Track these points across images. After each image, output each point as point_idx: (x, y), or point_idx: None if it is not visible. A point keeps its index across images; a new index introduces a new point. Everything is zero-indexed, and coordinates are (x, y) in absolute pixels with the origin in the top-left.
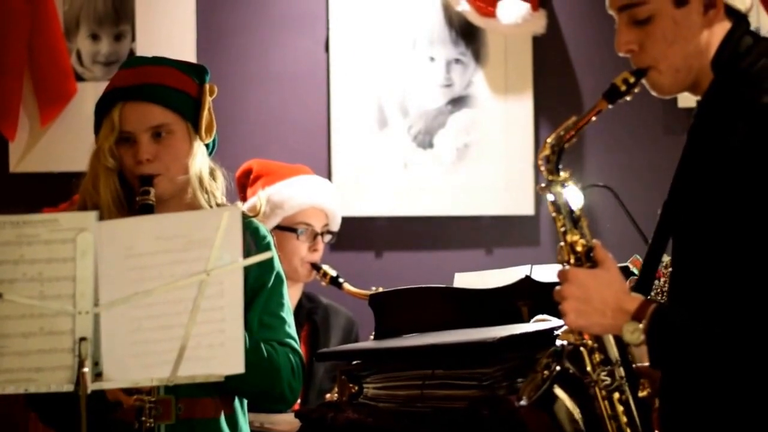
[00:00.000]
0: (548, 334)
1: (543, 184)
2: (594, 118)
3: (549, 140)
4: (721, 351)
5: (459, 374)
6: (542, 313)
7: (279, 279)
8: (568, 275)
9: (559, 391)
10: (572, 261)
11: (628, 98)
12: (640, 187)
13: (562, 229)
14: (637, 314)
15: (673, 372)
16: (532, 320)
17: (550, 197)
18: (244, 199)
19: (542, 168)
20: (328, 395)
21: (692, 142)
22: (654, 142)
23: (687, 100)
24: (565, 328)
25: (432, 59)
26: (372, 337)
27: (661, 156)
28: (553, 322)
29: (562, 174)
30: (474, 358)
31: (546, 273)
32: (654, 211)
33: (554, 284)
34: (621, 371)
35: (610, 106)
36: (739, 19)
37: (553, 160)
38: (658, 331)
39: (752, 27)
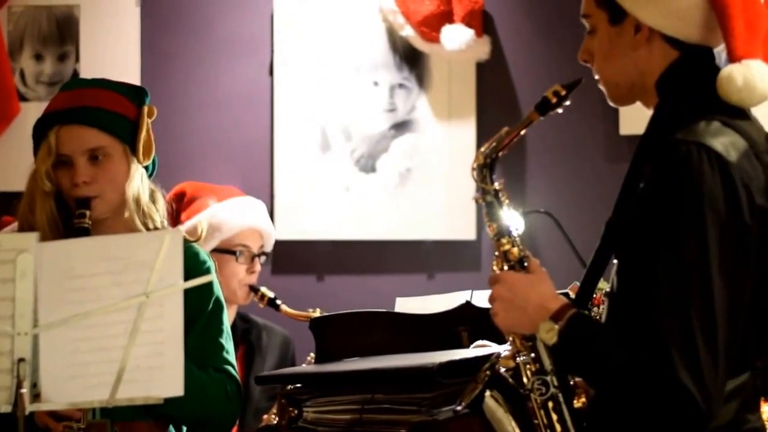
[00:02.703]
0: (487, 360)
1: (477, 194)
2: (523, 128)
3: (482, 150)
4: (615, 370)
5: (399, 399)
6: (482, 339)
7: (218, 305)
8: (498, 277)
9: (490, 399)
10: (505, 268)
11: (559, 110)
12: (581, 214)
13: (496, 238)
14: (556, 315)
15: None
16: (472, 345)
17: (483, 206)
18: (177, 222)
19: (476, 177)
20: (265, 416)
21: (630, 168)
22: (595, 170)
23: (628, 127)
24: (505, 353)
25: (376, 84)
26: (310, 358)
27: (602, 183)
28: (493, 347)
29: (496, 184)
30: (414, 383)
31: (486, 298)
32: (593, 237)
33: None
34: (555, 381)
35: (541, 118)
36: (687, 48)
37: (486, 169)
38: (571, 335)
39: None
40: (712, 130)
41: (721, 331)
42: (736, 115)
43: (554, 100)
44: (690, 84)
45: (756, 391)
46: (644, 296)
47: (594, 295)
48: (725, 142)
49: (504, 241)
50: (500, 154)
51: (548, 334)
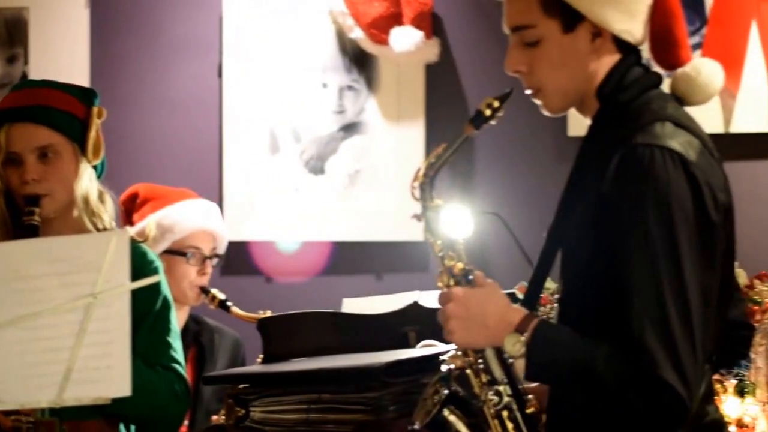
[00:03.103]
0: (434, 359)
1: (418, 212)
2: (460, 144)
3: (422, 167)
4: (593, 374)
5: (346, 399)
6: (429, 339)
7: (166, 304)
8: (450, 295)
9: (450, 415)
10: (452, 284)
11: (493, 122)
12: (529, 215)
13: (440, 254)
14: (520, 326)
15: (554, 386)
16: (419, 345)
17: (425, 224)
18: (130, 223)
19: (416, 195)
20: (214, 417)
21: (575, 169)
22: (543, 170)
23: (576, 128)
24: (451, 353)
25: (325, 86)
26: (260, 360)
27: (551, 184)
28: (439, 347)
29: (436, 200)
30: (361, 383)
31: (433, 299)
32: (541, 238)
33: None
34: (507, 390)
35: (476, 132)
36: (628, 51)
37: (427, 186)
38: (540, 344)
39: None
40: (668, 132)
41: (697, 325)
42: (682, 116)
43: (488, 113)
44: (633, 85)
45: (712, 383)
46: (615, 296)
47: (541, 295)
48: (683, 143)
49: (448, 256)
50: (438, 171)
51: (515, 346)
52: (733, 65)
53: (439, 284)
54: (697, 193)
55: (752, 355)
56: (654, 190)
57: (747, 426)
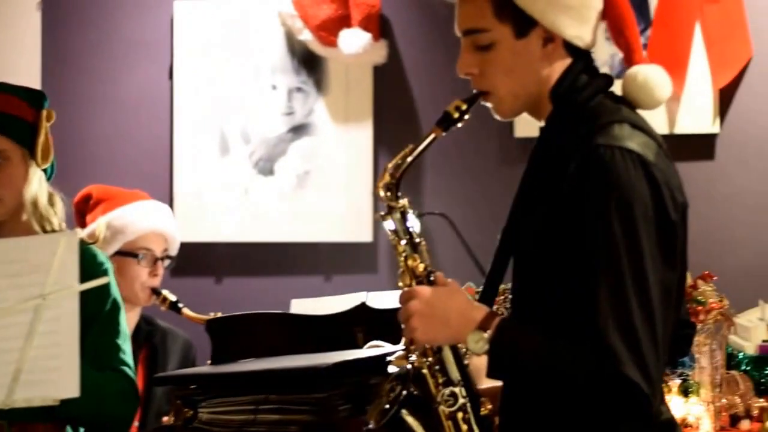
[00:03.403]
0: (381, 360)
1: (383, 212)
2: (428, 145)
3: (388, 168)
4: (556, 370)
5: (292, 399)
6: (377, 339)
7: (115, 306)
8: (411, 293)
9: (408, 417)
10: (413, 285)
11: (459, 125)
12: (476, 216)
13: (403, 255)
14: (482, 324)
15: (512, 383)
16: (366, 346)
17: (390, 224)
18: (83, 225)
19: (382, 195)
20: (165, 418)
21: (530, 170)
22: (489, 171)
23: (522, 130)
24: (398, 354)
25: (274, 87)
26: (209, 361)
27: (496, 185)
28: (386, 347)
29: (401, 201)
30: (307, 383)
31: (381, 299)
32: (488, 239)
33: (389, 310)
34: (463, 391)
35: (444, 134)
36: (579, 55)
37: (393, 187)
38: (503, 341)
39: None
40: (626, 134)
41: (659, 323)
42: (637, 118)
43: (456, 115)
44: (586, 87)
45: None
46: (579, 295)
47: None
48: (641, 144)
49: (412, 257)
50: (405, 172)
51: (478, 344)
52: (677, 67)
53: (400, 284)
54: (657, 193)
55: (696, 355)
56: (616, 190)
57: (691, 426)
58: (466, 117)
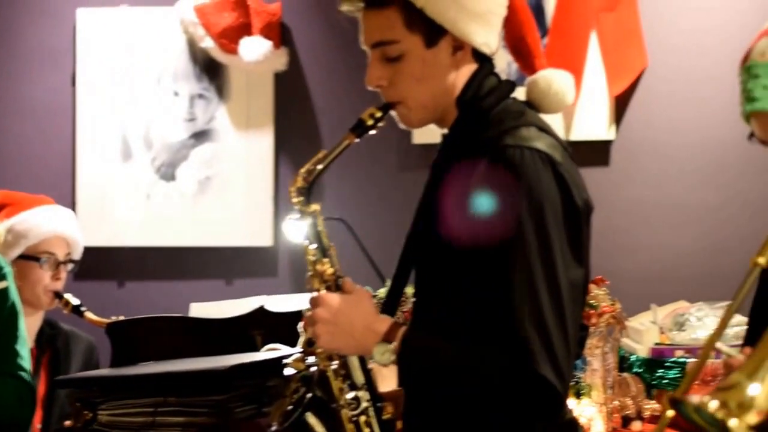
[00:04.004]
0: (278, 363)
1: (295, 216)
2: (341, 151)
3: (301, 172)
4: (468, 375)
5: (191, 401)
6: (275, 342)
7: (13, 311)
8: (318, 300)
9: (310, 418)
10: (322, 289)
11: (373, 132)
12: (374, 221)
13: (313, 259)
14: (387, 336)
15: (421, 392)
16: (264, 349)
17: (301, 228)
18: None
19: (294, 199)
20: (67, 422)
21: (435, 176)
22: (388, 177)
23: (421, 136)
24: (295, 356)
25: (176, 94)
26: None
27: (395, 191)
28: (283, 350)
29: (313, 205)
30: (206, 386)
31: (279, 303)
32: (386, 244)
33: (287, 314)
34: (366, 395)
35: (357, 140)
36: (484, 61)
37: (305, 191)
38: (410, 352)
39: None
40: (534, 135)
41: (569, 322)
42: (542, 122)
43: (370, 122)
44: (492, 93)
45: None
46: (491, 295)
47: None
48: (548, 145)
49: (321, 261)
50: (317, 177)
51: (384, 356)
52: (573, 74)
53: (308, 287)
54: (566, 192)
55: (589, 358)
56: (526, 190)
57: (584, 427)
58: (380, 124)
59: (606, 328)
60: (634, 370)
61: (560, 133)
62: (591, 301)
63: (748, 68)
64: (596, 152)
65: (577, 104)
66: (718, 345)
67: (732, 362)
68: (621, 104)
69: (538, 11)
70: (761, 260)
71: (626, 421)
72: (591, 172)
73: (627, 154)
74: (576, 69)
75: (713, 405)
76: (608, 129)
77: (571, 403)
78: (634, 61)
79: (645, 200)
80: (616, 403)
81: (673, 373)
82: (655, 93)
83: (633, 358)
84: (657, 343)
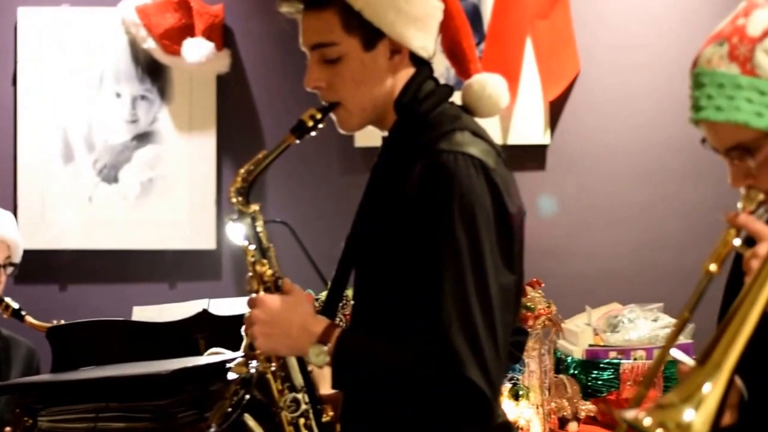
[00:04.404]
0: (221, 367)
1: (234, 216)
2: (281, 152)
3: (241, 173)
4: (401, 377)
5: (133, 407)
6: (218, 346)
7: None
8: (256, 301)
9: (248, 419)
10: (261, 291)
11: (314, 133)
12: (316, 224)
13: (252, 260)
14: (322, 337)
15: (356, 394)
16: (207, 353)
17: (240, 229)
18: None
19: (233, 200)
20: (8, 429)
21: (374, 179)
22: (330, 180)
23: (363, 140)
24: (237, 360)
25: (118, 95)
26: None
27: (337, 194)
28: (227, 354)
29: (252, 206)
30: (148, 390)
31: (223, 306)
32: (328, 247)
33: (230, 317)
34: (306, 397)
35: (297, 141)
36: (422, 65)
37: (244, 192)
38: (345, 354)
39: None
40: (468, 140)
41: (499, 326)
42: (477, 126)
43: (310, 124)
44: (429, 97)
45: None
46: (423, 299)
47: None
48: (482, 150)
49: (260, 262)
50: (257, 178)
51: (319, 357)
52: (509, 80)
53: (248, 288)
54: (498, 198)
55: (526, 360)
56: (458, 195)
57: (522, 429)
58: (321, 126)
59: (542, 330)
60: (570, 371)
61: (497, 137)
62: (527, 304)
63: (695, 75)
64: (532, 156)
65: (514, 109)
66: (673, 351)
67: (685, 369)
68: (556, 109)
69: (476, 17)
70: (713, 267)
71: (563, 422)
72: (527, 176)
73: (561, 158)
74: (512, 74)
75: (647, 422)
76: (544, 133)
77: (509, 404)
78: (567, 66)
79: (578, 203)
80: (553, 404)
81: (607, 375)
82: (588, 97)
83: (569, 359)
84: (591, 345)
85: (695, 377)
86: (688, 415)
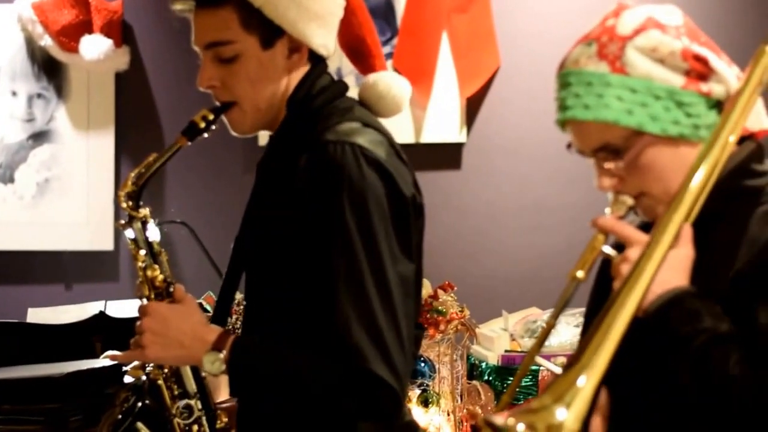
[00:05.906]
0: (117, 370)
1: (123, 221)
2: (173, 155)
3: (131, 176)
4: (304, 379)
5: (26, 409)
6: (115, 348)
7: None
8: (147, 309)
9: (141, 428)
10: (152, 296)
11: (206, 135)
12: (217, 224)
13: (142, 265)
14: (217, 344)
15: (254, 400)
16: (102, 356)
17: (130, 233)
18: None
19: (123, 204)
20: None
21: (260, 177)
22: (233, 180)
23: (266, 138)
24: (134, 364)
25: (14, 93)
26: None
27: (239, 194)
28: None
29: (143, 210)
30: (40, 394)
31: (120, 308)
32: (230, 247)
33: (127, 319)
34: (199, 404)
35: (189, 143)
36: (317, 61)
37: (135, 196)
38: (241, 359)
39: (334, 68)
40: (356, 130)
41: (401, 317)
42: (368, 117)
43: (202, 125)
44: (322, 93)
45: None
46: (319, 296)
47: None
48: (372, 140)
49: (152, 267)
50: (147, 181)
51: (214, 365)
52: (423, 76)
53: (138, 294)
54: (391, 185)
55: (437, 365)
56: (347, 184)
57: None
58: (213, 127)
59: (455, 335)
60: (485, 377)
61: (410, 136)
62: (439, 308)
63: (561, 76)
64: (447, 155)
65: (428, 106)
66: (541, 361)
67: (548, 379)
68: (473, 106)
69: (389, 11)
70: (579, 274)
71: (475, 430)
72: (442, 175)
73: (479, 157)
74: (427, 70)
75: (521, 428)
76: (460, 131)
77: (418, 411)
78: (486, 62)
79: (496, 203)
80: (465, 411)
81: (524, 381)
82: (507, 94)
83: (483, 365)
84: (508, 350)
85: (565, 379)
86: (560, 414)
